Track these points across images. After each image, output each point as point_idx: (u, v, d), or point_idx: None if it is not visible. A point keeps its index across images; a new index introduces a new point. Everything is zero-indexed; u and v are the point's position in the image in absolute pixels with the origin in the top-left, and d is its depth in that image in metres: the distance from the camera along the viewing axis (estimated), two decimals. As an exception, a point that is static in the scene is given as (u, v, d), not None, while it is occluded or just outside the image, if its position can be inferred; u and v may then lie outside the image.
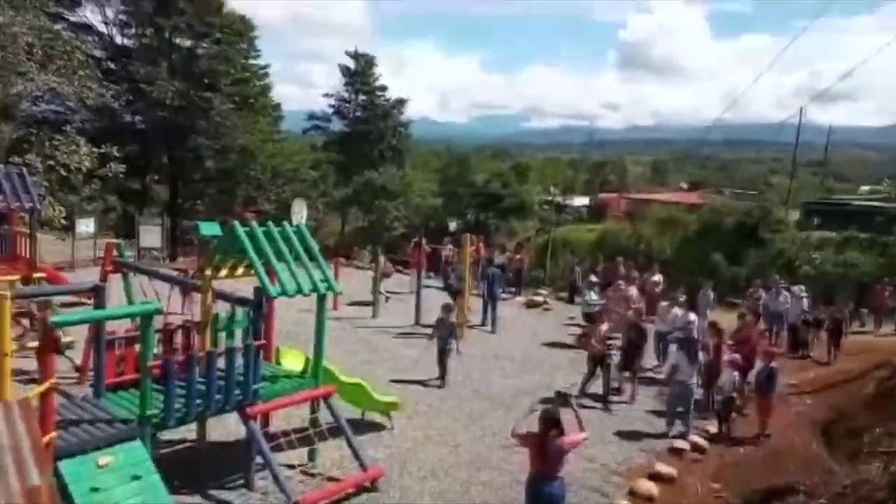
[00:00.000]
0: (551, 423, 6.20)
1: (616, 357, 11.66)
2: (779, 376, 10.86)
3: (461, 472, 8.39)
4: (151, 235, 21.99)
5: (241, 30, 31.30)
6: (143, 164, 30.85)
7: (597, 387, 11.44)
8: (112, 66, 29.50)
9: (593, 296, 15.34)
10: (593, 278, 16.62)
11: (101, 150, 20.82)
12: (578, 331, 15.58)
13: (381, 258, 18.84)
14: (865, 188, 56.14)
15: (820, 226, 30.90)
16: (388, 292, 17.61)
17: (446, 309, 11.84)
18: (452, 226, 35.53)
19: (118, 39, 30.26)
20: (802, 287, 16.59)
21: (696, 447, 9.74)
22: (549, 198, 45.45)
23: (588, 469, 8.74)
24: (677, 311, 13.13)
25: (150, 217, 24.81)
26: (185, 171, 31.56)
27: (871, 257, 24.92)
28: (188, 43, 30.55)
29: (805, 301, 15.99)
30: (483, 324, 15.77)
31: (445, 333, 11.53)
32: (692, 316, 12.67)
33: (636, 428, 10.25)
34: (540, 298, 19.67)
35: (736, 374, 10.55)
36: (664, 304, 13.89)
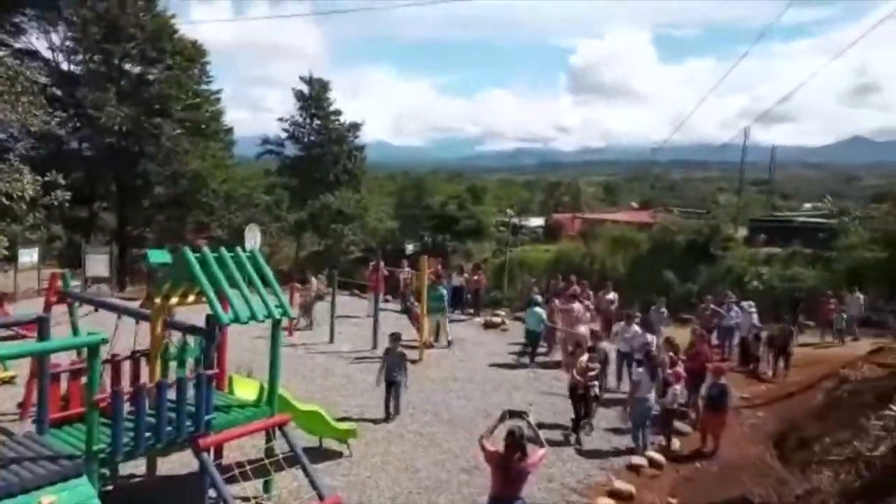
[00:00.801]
0: (516, 447, 6.17)
1: (597, 391, 10.76)
2: (731, 392, 11.05)
3: (421, 498, 8.29)
4: (98, 264, 21.42)
5: (193, 55, 30.95)
6: (90, 192, 30.04)
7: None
8: (58, 92, 28.78)
9: (539, 312, 15.27)
10: (537, 296, 16.59)
11: (46, 178, 20.20)
12: (518, 350, 15.72)
13: (313, 280, 18.76)
14: (808, 205, 58.21)
15: (766, 242, 31.87)
16: (340, 316, 17.36)
17: (394, 339, 11.05)
18: (409, 248, 35.52)
19: (64, 66, 29.59)
20: (752, 302, 17.00)
21: (653, 463, 9.83)
22: (505, 219, 45.81)
23: (548, 488, 8.75)
24: (636, 328, 13.25)
25: (97, 245, 24.17)
26: (134, 197, 30.85)
27: (815, 272, 25.80)
28: (138, 69, 30.04)
29: (754, 316, 16.38)
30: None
31: (394, 365, 10.80)
32: (649, 336, 12.87)
33: (594, 446, 10.31)
34: (498, 319, 19.73)
35: (678, 387, 10.62)
36: (622, 324, 13.97)
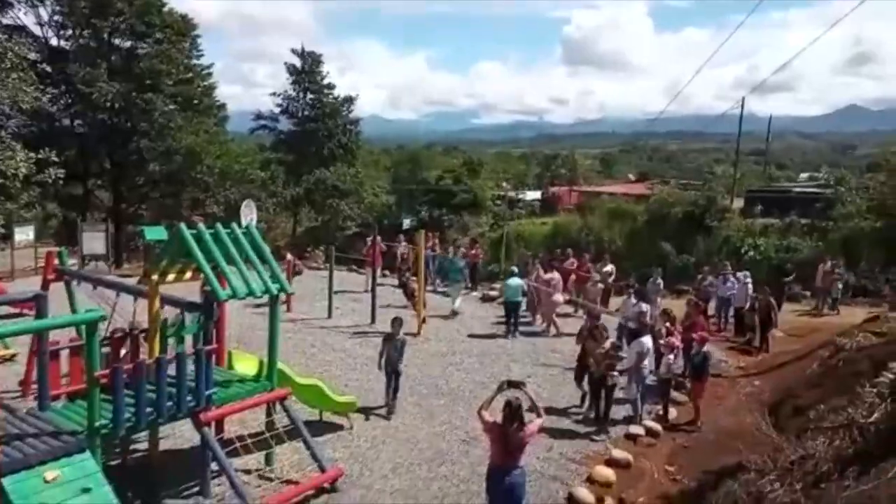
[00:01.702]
0: (515, 417, 6.25)
1: (620, 379, 10.03)
2: (711, 359, 11.00)
3: (422, 468, 8.39)
4: (95, 242, 21.36)
5: (183, 29, 30.47)
6: (84, 169, 29.79)
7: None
8: (48, 68, 28.40)
9: (515, 283, 15.45)
10: (514, 268, 16.85)
11: (39, 156, 20.05)
12: (495, 321, 15.78)
13: (289, 255, 18.72)
14: (804, 175, 58.17)
15: (763, 213, 31.86)
16: (337, 291, 17.39)
17: (396, 324, 10.29)
18: (406, 223, 35.47)
19: (54, 41, 29.11)
20: (747, 273, 17.03)
21: (650, 432, 9.94)
22: (502, 193, 45.78)
23: (546, 458, 8.86)
24: (632, 299, 13.40)
25: (93, 223, 24.07)
26: (129, 174, 30.60)
27: (811, 242, 25.85)
28: (128, 43, 29.59)
29: (750, 286, 16.42)
30: None
31: (395, 353, 10.13)
32: (644, 306, 13.00)
33: (592, 416, 10.39)
34: (495, 293, 19.77)
35: (672, 357, 10.68)
36: (625, 298, 14.03)
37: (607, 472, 8.47)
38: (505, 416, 6.30)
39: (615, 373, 9.89)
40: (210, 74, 33.32)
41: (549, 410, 10.11)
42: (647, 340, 10.45)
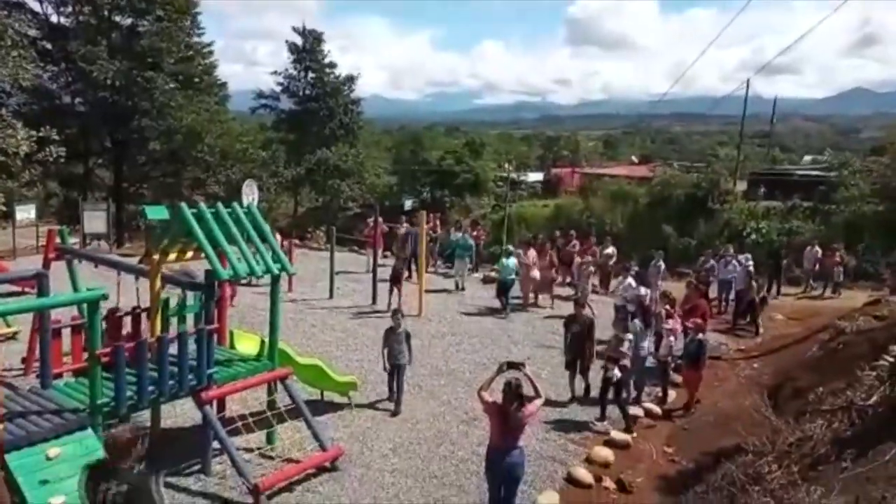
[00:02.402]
0: (514, 397, 6.25)
1: (616, 373, 9.55)
2: (707, 347, 10.80)
3: (422, 448, 8.45)
4: (96, 221, 21.34)
5: (184, 7, 30.21)
6: (85, 148, 29.73)
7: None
8: (48, 45, 28.24)
9: (511, 263, 15.69)
10: (509, 247, 17.28)
11: (40, 134, 19.97)
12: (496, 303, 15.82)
13: (278, 236, 18.69)
14: (808, 158, 57.82)
15: (766, 196, 31.72)
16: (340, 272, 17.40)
17: (398, 316, 9.65)
18: (408, 204, 35.40)
19: (54, 18, 28.90)
20: (748, 255, 17.01)
21: (649, 414, 10.00)
22: (504, 174, 45.62)
23: (545, 438, 8.92)
24: (630, 281, 13.41)
25: (95, 202, 24.05)
26: (130, 153, 30.53)
27: (813, 225, 25.78)
28: (128, 21, 29.36)
29: (751, 269, 16.40)
30: None
31: (397, 346, 9.40)
32: (643, 290, 13.01)
33: (591, 396, 10.44)
34: (496, 274, 19.77)
35: (672, 339, 10.65)
36: (619, 278, 14.15)
37: (606, 453, 8.53)
38: (504, 396, 6.32)
39: (624, 362, 9.53)
40: (211, 53, 33.11)
41: (549, 392, 10.18)
42: (637, 321, 10.46)
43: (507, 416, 6.29)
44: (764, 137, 65.56)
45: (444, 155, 44.84)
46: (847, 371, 8.71)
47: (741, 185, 35.44)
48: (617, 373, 9.47)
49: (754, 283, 15.08)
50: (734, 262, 16.50)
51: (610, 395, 9.62)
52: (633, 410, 9.92)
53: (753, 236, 25.56)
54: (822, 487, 5.19)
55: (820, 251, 18.87)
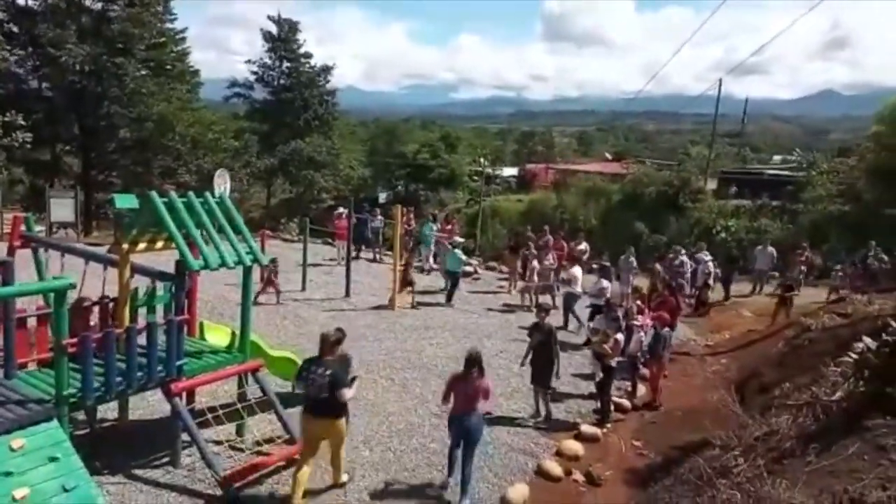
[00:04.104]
0: (473, 363, 7.14)
1: (600, 373, 9.66)
2: (667, 341, 10.90)
3: (393, 441, 8.45)
4: (63, 209, 20.89)
5: (156, -8, 29.72)
6: (52, 134, 29.07)
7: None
8: (14, 28, 27.54)
9: (460, 256, 15.81)
10: (458, 238, 17.62)
11: (5, 118, 19.49)
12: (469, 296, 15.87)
13: None
14: (777, 158, 58.85)
15: (736, 194, 32.25)
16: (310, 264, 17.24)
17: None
18: (382, 197, 35.28)
19: (21, 0, 28.19)
20: (706, 253, 17.45)
21: (618, 407, 10.11)
22: (479, 168, 45.69)
23: (516, 432, 8.97)
24: (604, 282, 13.55)
25: (62, 190, 23.54)
26: (99, 140, 29.93)
27: (781, 224, 26.29)
28: (98, 5, 28.77)
29: (710, 265, 16.88)
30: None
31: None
32: (604, 282, 13.20)
33: (561, 390, 10.52)
34: (470, 268, 19.82)
35: (643, 334, 10.77)
36: (591, 278, 14.35)
37: (575, 446, 8.62)
38: (465, 361, 7.20)
39: (612, 362, 9.59)
40: (183, 39, 32.63)
41: (520, 388, 10.25)
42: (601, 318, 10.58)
43: (467, 381, 7.11)
44: (735, 137, 66.59)
45: (419, 148, 44.78)
46: (812, 367, 8.90)
47: (712, 184, 35.99)
48: (600, 373, 9.59)
49: (710, 283, 15.66)
50: (689, 261, 16.92)
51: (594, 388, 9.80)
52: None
53: (722, 234, 25.98)
54: (787, 481, 5.30)
55: (773, 251, 19.01)
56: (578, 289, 14.11)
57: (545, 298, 13.84)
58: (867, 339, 6.75)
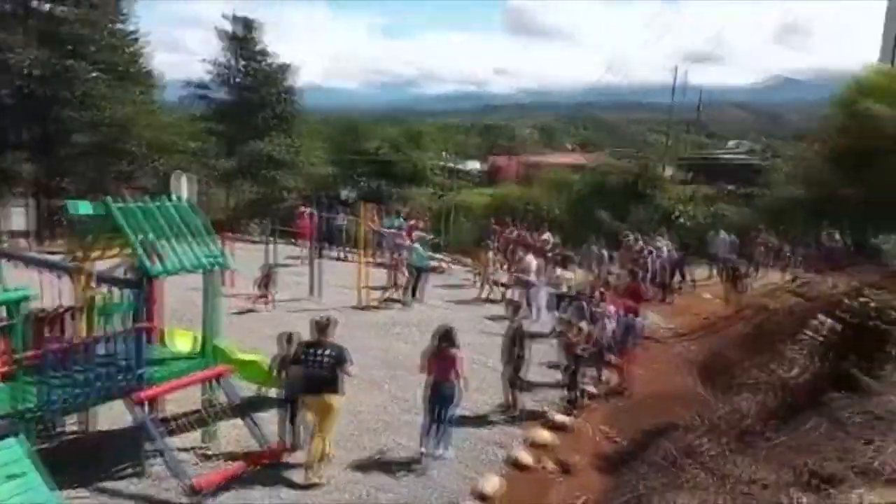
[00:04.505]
0: (443, 337, 8.08)
1: (564, 361, 9.96)
2: (636, 328, 11.07)
3: (364, 439, 8.43)
4: (16, 217, 20.31)
5: (107, -9, 28.93)
6: (2, 140, 28.16)
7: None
8: (-44, 33, 26.57)
9: (422, 250, 15.84)
10: (423, 234, 17.65)
11: (-49, 125, 18.85)
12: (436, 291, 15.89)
13: None
14: (732, 143, 60.04)
15: (694, 181, 32.88)
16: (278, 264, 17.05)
17: (284, 339, 8.17)
18: (345, 194, 35.06)
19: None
20: (662, 238, 17.77)
21: (588, 395, 10.23)
22: (444, 163, 45.65)
23: (487, 423, 9.02)
24: (559, 270, 13.77)
25: (14, 198, 22.88)
26: (52, 146, 29.06)
27: (739, 209, 26.88)
28: (47, 6, 27.91)
29: (665, 250, 17.17)
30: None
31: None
32: (559, 270, 13.41)
33: (530, 380, 10.58)
34: (435, 263, 19.84)
35: (608, 323, 10.89)
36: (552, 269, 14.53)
37: (546, 435, 8.71)
38: (436, 336, 8.14)
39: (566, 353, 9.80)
40: (137, 40, 31.83)
41: (490, 380, 10.29)
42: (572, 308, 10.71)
43: (440, 352, 7.98)
44: (692, 124, 67.69)
45: (383, 144, 44.49)
46: (771, 347, 9.14)
47: (671, 171, 36.61)
48: (564, 360, 9.71)
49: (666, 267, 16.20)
50: (646, 248, 17.30)
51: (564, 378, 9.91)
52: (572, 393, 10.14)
53: (682, 220, 26.44)
54: (750, 458, 5.44)
55: (729, 238, 19.32)
56: (533, 277, 14.32)
57: (512, 294, 13.98)
58: (823, 318, 6.96)
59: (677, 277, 17.54)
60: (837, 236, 17.72)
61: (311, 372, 7.36)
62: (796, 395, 6.94)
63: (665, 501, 4.95)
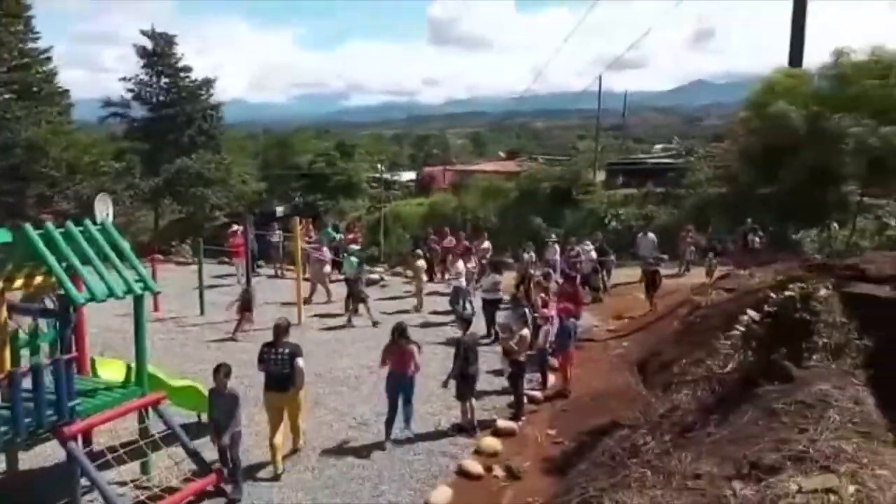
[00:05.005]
0: (399, 332, 8.87)
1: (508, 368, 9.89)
2: (572, 331, 11.21)
3: (311, 458, 8.27)
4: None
5: (15, 9, 27.66)
6: None
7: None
8: None
9: (355, 263, 15.82)
10: (353, 246, 17.65)
11: None
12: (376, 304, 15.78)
13: None
14: (658, 147, 62.13)
15: (623, 184, 33.81)
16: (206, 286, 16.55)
17: (220, 374, 7.46)
18: (279, 210, 34.45)
19: None
20: (588, 242, 18.19)
21: (531, 400, 10.34)
22: (377, 175, 45.47)
23: (435, 434, 9.00)
24: (494, 276, 13.92)
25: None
26: (-39, 172, 27.52)
27: (667, 209, 27.77)
28: (-51, 26, 26.50)
29: (592, 254, 17.56)
30: None
31: (225, 411, 7.40)
32: (497, 277, 13.60)
33: (477, 388, 10.61)
34: (376, 276, 19.71)
35: (549, 327, 10.99)
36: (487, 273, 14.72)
37: (493, 442, 8.75)
38: (393, 332, 8.89)
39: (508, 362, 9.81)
40: (49, 59, 30.51)
41: (437, 389, 10.25)
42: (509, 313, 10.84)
43: (395, 346, 8.76)
44: (617, 129, 69.73)
45: (315, 158, 44.00)
46: (705, 342, 9.43)
47: (601, 176, 37.54)
48: (509, 369, 9.76)
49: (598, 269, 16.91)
50: (578, 248, 17.70)
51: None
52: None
53: (614, 223, 27.13)
54: (692, 453, 5.57)
55: (654, 238, 19.83)
56: (463, 282, 14.68)
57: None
58: (751, 312, 7.21)
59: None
60: (760, 232, 18.50)
61: (272, 370, 8.07)
62: (730, 388, 7.16)
63: (614, 502, 5.01)
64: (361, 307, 14.72)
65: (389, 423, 8.75)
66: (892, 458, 4.66)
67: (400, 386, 8.75)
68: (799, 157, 20.09)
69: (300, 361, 8.10)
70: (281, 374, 8.02)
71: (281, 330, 8.27)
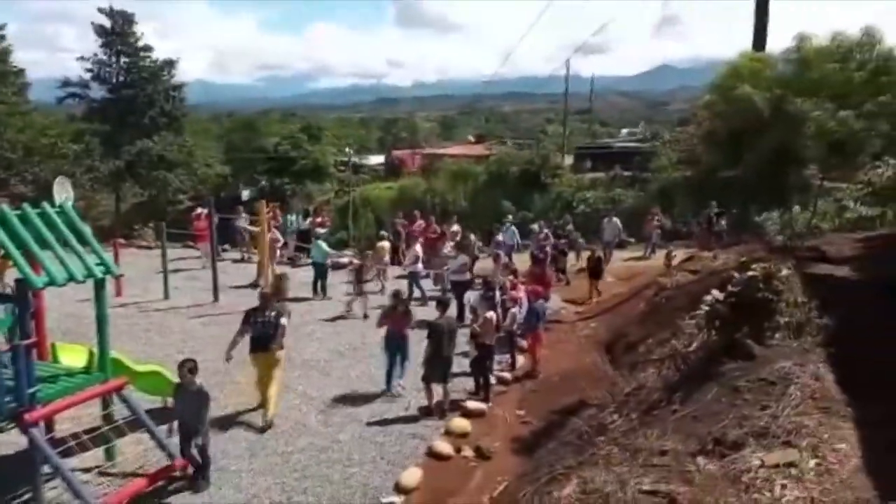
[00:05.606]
0: (397, 298, 10.02)
1: (474, 352, 9.87)
2: (540, 313, 11.27)
3: (279, 443, 8.21)
4: None
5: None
6: None
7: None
8: None
9: (325, 247, 15.78)
10: (319, 229, 17.70)
11: None
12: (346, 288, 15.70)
13: None
14: (625, 131, 62.75)
15: (591, 168, 34.14)
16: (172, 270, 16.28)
17: (185, 368, 7.16)
18: (245, 194, 33.99)
19: None
20: (543, 224, 18.31)
21: (500, 381, 10.41)
22: (345, 158, 45.10)
23: (404, 416, 9.01)
24: (461, 258, 14.00)
25: None
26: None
27: (633, 192, 28.13)
28: None
29: (550, 237, 17.68)
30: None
31: (190, 408, 7.15)
32: (463, 257, 13.71)
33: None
34: (345, 260, 19.53)
35: (516, 309, 11.01)
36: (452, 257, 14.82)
37: (463, 423, 8.80)
38: (392, 298, 10.05)
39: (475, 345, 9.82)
40: (3, 38, 29.47)
41: (408, 370, 10.26)
42: (478, 296, 10.91)
43: (394, 311, 9.74)
44: (585, 113, 70.16)
45: (281, 141, 43.42)
46: (670, 322, 9.60)
47: (569, 159, 37.79)
48: (475, 351, 9.77)
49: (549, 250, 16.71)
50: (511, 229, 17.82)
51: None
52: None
53: (582, 206, 27.37)
54: (658, 430, 5.68)
55: (618, 222, 20.06)
56: (420, 267, 15.05)
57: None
58: (715, 292, 7.35)
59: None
60: (724, 215, 18.81)
61: (259, 331, 8.70)
62: (695, 367, 7.31)
63: (581, 479, 5.08)
64: (358, 300, 14.28)
65: (389, 376, 9.74)
66: (851, 433, 4.81)
67: (395, 344, 9.70)
68: (762, 139, 20.39)
69: (284, 320, 8.77)
70: (267, 334, 8.67)
71: (267, 297, 9.03)
